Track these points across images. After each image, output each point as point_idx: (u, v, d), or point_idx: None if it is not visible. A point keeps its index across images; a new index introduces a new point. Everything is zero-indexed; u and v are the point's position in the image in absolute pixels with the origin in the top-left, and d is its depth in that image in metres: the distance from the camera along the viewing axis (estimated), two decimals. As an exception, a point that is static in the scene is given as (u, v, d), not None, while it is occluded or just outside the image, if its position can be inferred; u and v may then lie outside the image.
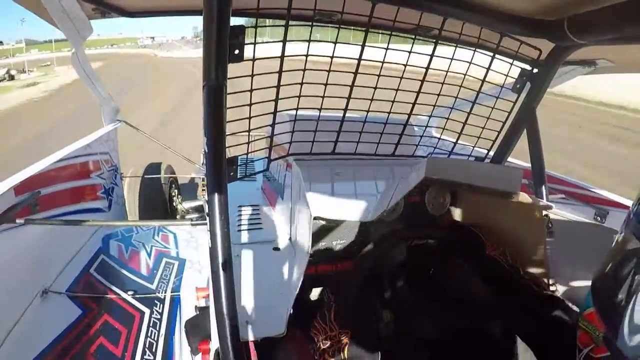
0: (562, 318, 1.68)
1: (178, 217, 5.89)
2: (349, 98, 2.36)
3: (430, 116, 2.79)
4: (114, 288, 3.23)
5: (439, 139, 2.83)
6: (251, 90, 2.03)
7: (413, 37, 2.26)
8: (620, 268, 1.04)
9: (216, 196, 1.52)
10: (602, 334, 1.03)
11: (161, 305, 3.14)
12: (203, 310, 2.25)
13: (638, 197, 1.00)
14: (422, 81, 2.36)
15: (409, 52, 2.23)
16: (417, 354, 1.98)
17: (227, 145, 1.61)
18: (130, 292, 3.21)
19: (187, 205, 5.96)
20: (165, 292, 3.27)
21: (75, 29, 3.20)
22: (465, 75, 2.34)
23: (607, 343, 1.02)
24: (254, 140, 2.37)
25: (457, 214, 2.35)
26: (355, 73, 2.24)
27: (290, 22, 1.95)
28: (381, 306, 2.04)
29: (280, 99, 2.16)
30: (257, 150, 2.78)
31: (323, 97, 2.28)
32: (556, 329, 1.68)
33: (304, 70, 2.12)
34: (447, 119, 2.71)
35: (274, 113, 2.23)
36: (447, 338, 1.97)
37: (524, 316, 1.79)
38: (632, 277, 0.97)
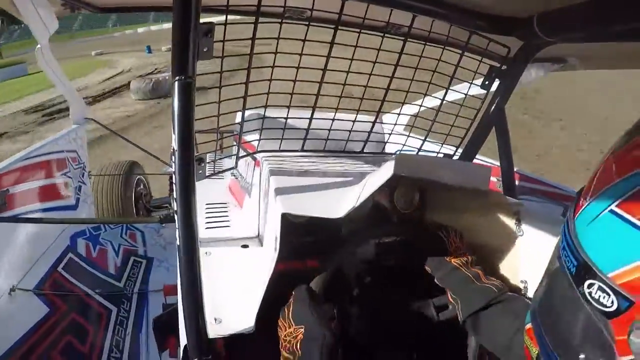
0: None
1: (145, 215, 5.83)
2: (317, 95, 2.36)
3: (399, 113, 2.80)
4: (81, 286, 3.21)
5: (408, 136, 2.85)
6: (220, 87, 2.02)
7: (382, 34, 2.26)
8: (548, 292, 1.03)
9: (184, 194, 1.50)
10: (537, 352, 1.03)
11: (128, 303, 3.14)
12: (171, 308, 2.24)
13: (569, 212, 0.99)
14: (391, 78, 2.36)
15: (377, 49, 2.24)
16: (388, 349, 1.99)
17: (195, 143, 1.60)
18: (97, 290, 3.20)
19: (155, 203, 5.92)
20: (132, 290, 3.26)
21: (42, 23, 3.17)
22: (434, 72, 2.35)
23: None
24: (223, 138, 2.36)
25: (426, 211, 2.36)
26: (324, 70, 2.24)
27: (260, 19, 1.94)
28: (349, 302, 2.04)
29: (249, 95, 2.16)
30: (225, 148, 2.77)
31: (292, 94, 2.28)
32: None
33: (273, 67, 2.12)
34: (417, 116, 2.72)
35: (243, 110, 2.22)
36: (416, 334, 1.97)
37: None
38: (558, 304, 0.96)
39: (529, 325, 1.08)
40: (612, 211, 0.80)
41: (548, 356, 0.96)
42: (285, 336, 1.63)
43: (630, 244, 0.76)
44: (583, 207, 0.89)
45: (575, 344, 0.88)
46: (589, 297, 0.82)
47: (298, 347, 1.56)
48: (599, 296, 0.80)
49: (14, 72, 32.15)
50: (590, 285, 0.82)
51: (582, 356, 0.86)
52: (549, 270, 1.04)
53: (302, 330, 1.60)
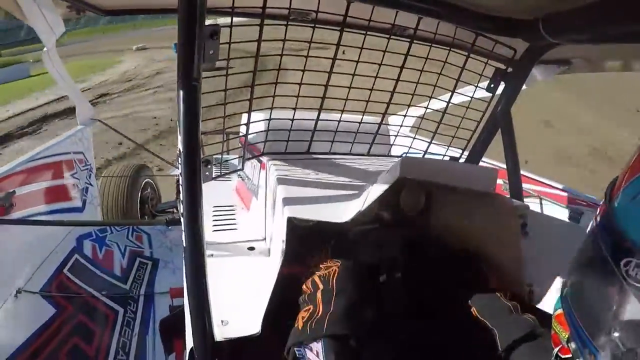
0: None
1: (152, 217, 5.82)
2: (323, 97, 2.36)
3: (405, 115, 2.79)
4: (87, 288, 3.21)
5: (414, 138, 2.84)
6: (225, 90, 2.02)
7: (388, 36, 2.26)
8: (581, 274, 1.06)
9: (191, 196, 1.51)
10: (567, 335, 1.04)
11: (135, 305, 3.13)
12: (177, 310, 2.24)
13: (600, 206, 1.01)
14: (397, 81, 2.36)
15: (383, 51, 2.24)
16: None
17: (202, 145, 1.60)
18: (104, 292, 3.19)
19: (162, 207, 5.91)
20: (139, 292, 3.25)
21: (48, 26, 3.17)
22: (439, 74, 2.35)
23: (571, 345, 1.04)
24: (229, 140, 2.36)
25: (432, 214, 2.35)
26: (330, 73, 2.24)
27: (265, 22, 1.94)
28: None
29: (255, 98, 2.15)
30: (231, 150, 2.77)
31: (298, 96, 2.28)
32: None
33: (279, 69, 2.12)
34: (422, 118, 2.72)
35: (249, 112, 2.22)
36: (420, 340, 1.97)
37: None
38: (593, 285, 0.99)
39: (558, 312, 1.09)
40: None
41: (580, 338, 0.99)
42: (315, 266, 1.74)
43: None
44: (620, 191, 0.92)
45: (609, 322, 0.90)
46: (625, 275, 0.84)
47: (333, 277, 1.60)
48: (636, 273, 0.83)
49: (13, 73, 29.47)
50: (627, 263, 0.84)
51: (616, 334, 0.88)
52: (581, 255, 1.07)
53: (340, 264, 1.67)
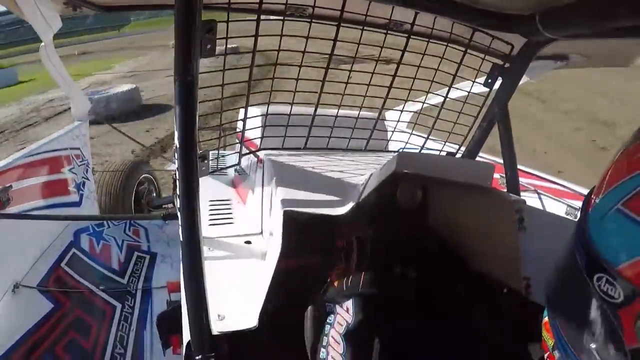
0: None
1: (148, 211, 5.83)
2: (320, 93, 2.36)
3: (401, 111, 2.80)
4: (85, 282, 3.23)
5: (411, 133, 2.84)
6: (222, 85, 2.03)
7: (385, 31, 2.27)
8: (561, 283, 1.08)
9: (187, 190, 1.51)
10: (552, 343, 1.07)
11: (132, 300, 3.14)
12: (175, 304, 2.24)
13: (581, 209, 1.02)
14: (394, 76, 2.37)
15: (380, 47, 2.24)
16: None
17: (198, 140, 1.61)
18: (101, 287, 3.20)
19: (158, 202, 5.92)
20: (136, 287, 3.26)
21: (45, 21, 3.17)
22: (436, 70, 2.35)
23: (555, 353, 1.06)
24: (226, 135, 2.37)
25: (428, 209, 2.36)
26: (327, 68, 2.24)
27: (262, 17, 1.95)
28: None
29: (252, 93, 2.16)
30: (228, 145, 2.78)
31: (295, 91, 2.28)
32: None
33: (275, 65, 2.13)
34: (419, 113, 2.72)
35: (246, 107, 2.23)
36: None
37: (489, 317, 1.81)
38: (571, 295, 1.01)
39: (546, 319, 1.11)
40: (618, 209, 0.84)
41: (562, 347, 1.01)
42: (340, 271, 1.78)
43: (634, 240, 0.81)
44: (594, 204, 0.93)
45: (587, 334, 0.92)
46: (598, 290, 0.86)
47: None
48: (607, 288, 0.84)
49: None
50: (599, 279, 0.85)
51: (593, 345, 0.90)
52: (561, 264, 1.07)
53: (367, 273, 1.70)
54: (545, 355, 1.13)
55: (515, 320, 1.78)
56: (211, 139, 2.25)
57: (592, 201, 0.94)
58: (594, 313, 0.89)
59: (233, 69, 2.00)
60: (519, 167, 2.76)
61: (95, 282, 3.21)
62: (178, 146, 1.52)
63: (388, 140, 2.96)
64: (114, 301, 3.08)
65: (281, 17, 2.06)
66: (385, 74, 2.33)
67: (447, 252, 2.00)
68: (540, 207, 3.47)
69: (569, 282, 1.02)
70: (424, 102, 2.70)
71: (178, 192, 1.55)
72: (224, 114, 2.19)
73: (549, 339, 1.09)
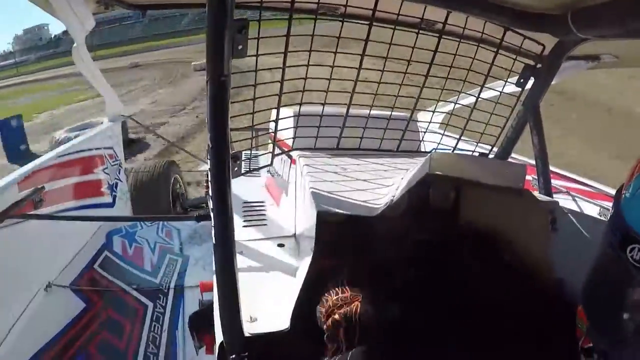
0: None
1: (181, 212, 5.85)
2: (352, 93, 2.36)
3: (434, 111, 2.79)
4: (117, 282, 3.24)
5: (443, 134, 2.83)
6: (255, 85, 2.03)
7: (417, 31, 2.26)
8: (598, 273, 1.12)
9: (220, 192, 1.51)
10: (587, 326, 1.09)
11: (165, 299, 3.15)
12: (207, 305, 2.25)
13: (613, 205, 1.04)
14: (426, 76, 2.35)
15: (412, 47, 2.23)
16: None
17: (231, 141, 1.61)
18: (134, 286, 3.22)
19: (191, 202, 5.94)
20: (168, 286, 3.27)
21: (78, 21, 3.19)
22: (468, 70, 2.34)
23: (590, 335, 1.09)
24: (258, 136, 2.37)
25: (461, 210, 2.35)
26: (359, 68, 2.24)
27: (294, 16, 1.95)
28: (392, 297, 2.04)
29: (284, 93, 2.17)
30: (261, 145, 2.78)
31: (327, 91, 2.28)
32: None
33: (308, 65, 2.13)
34: (451, 114, 2.71)
35: (278, 108, 2.23)
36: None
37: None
38: (609, 283, 1.06)
39: (579, 307, 1.14)
40: None
41: (598, 325, 1.08)
42: (335, 299, 1.71)
43: None
44: (627, 185, 0.98)
45: (621, 306, 0.97)
46: (631, 260, 0.91)
47: (357, 311, 1.61)
48: None
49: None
50: (632, 250, 0.91)
51: (626, 315, 0.95)
52: (597, 253, 1.12)
53: (360, 296, 1.68)
54: (580, 341, 1.14)
55: (546, 321, 1.76)
56: (244, 140, 2.25)
57: (624, 186, 1.00)
58: (627, 283, 0.94)
59: (265, 70, 2.01)
60: (551, 168, 2.74)
61: (128, 282, 3.23)
62: (211, 147, 1.53)
63: (420, 141, 2.94)
64: (146, 300, 3.09)
65: (313, 16, 2.06)
66: (418, 74, 2.33)
67: (480, 253, 1.99)
68: (573, 209, 3.44)
69: (605, 261, 1.07)
70: (455, 103, 2.69)
71: (210, 193, 1.56)
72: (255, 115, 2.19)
73: (583, 325, 1.12)
